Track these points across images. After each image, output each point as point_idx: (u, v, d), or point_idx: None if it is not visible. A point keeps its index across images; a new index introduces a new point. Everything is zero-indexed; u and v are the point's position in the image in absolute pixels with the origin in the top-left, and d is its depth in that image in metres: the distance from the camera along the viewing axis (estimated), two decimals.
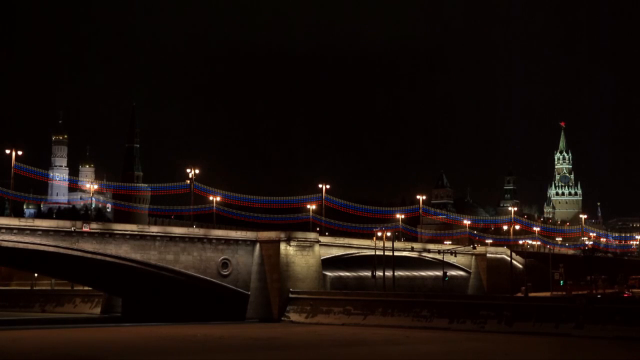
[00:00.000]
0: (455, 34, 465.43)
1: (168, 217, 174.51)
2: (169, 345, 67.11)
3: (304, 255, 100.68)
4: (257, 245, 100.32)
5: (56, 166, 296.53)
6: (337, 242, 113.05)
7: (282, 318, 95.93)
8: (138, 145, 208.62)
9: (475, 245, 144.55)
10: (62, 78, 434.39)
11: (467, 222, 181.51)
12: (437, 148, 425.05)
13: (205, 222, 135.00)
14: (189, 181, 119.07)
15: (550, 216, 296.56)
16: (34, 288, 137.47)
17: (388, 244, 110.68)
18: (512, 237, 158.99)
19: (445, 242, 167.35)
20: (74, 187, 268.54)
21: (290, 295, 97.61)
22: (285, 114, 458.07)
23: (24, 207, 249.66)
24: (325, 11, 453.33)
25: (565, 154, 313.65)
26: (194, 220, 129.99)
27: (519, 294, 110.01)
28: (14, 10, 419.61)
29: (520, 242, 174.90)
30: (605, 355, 61.04)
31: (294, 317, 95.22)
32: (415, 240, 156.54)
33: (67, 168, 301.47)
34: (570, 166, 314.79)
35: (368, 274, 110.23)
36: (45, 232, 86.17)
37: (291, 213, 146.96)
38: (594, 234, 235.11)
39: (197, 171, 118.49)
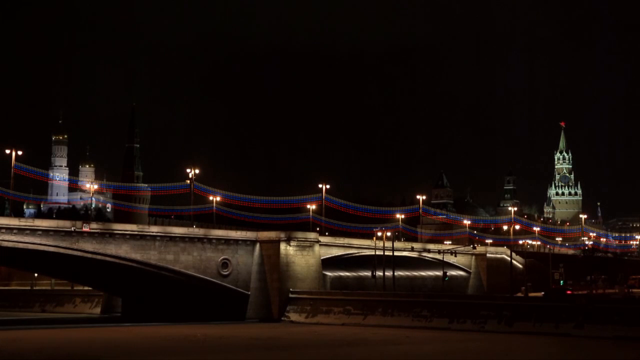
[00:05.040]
0: (454, 33, 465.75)
1: (168, 217, 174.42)
2: (169, 345, 67.13)
3: (304, 255, 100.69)
4: (257, 245, 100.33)
5: (56, 166, 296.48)
6: (337, 242, 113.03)
7: (282, 318, 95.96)
8: (138, 145, 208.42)
9: (475, 245, 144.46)
10: (62, 78, 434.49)
11: (467, 222, 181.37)
12: (437, 148, 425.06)
13: (205, 222, 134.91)
14: (189, 181, 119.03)
15: (550, 216, 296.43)
16: (34, 288, 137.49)
17: (388, 244, 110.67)
18: (512, 237, 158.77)
19: (445, 242, 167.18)
20: (74, 187, 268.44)
21: (290, 295, 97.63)
22: (285, 114, 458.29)
23: (24, 207, 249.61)
24: (325, 10, 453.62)
25: (565, 154, 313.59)
26: (194, 220, 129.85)
27: (519, 294, 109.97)
28: (13, 10, 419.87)
29: (520, 242, 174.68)
30: (605, 355, 61.03)
31: (294, 317, 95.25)
32: (415, 240, 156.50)
33: (67, 168, 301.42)
34: (570, 166, 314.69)
35: (368, 274, 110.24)
36: (45, 232, 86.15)
37: (291, 213, 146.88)
38: (594, 234, 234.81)
39: (197, 171, 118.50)
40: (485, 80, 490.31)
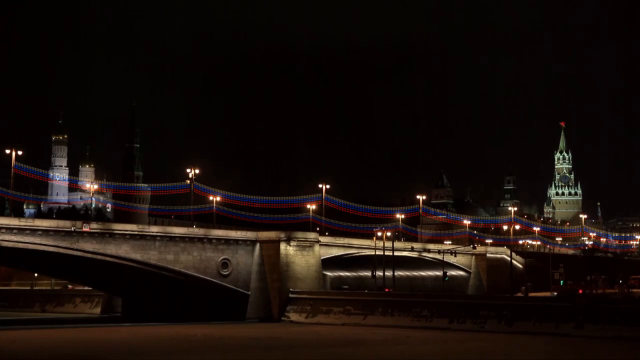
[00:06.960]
0: (455, 33, 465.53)
1: (168, 217, 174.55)
2: (169, 345, 67.13)
3: (304, 255, 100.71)
4: (257, 245, 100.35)
5: (56, 166, 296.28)
6: (337, 242, 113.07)
7: (282, 318, 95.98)
8: (138, 145, 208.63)
9: (475, 245, 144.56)
10: (62, 78, 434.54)
11: (467, 222, 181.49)
12: (437, 148, 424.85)
13: (205, 222, 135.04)
14: (189, 181, 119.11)
15: (550, 216, 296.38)
16: (34, 288, 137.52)
17: (388, 244, 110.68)
18: (512, 237, 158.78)
19: (445, 242, 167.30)
20: (74, 187, 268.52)
21: (290, 295, 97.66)
22: (285, 114, 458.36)
23: (24, 207, 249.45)
24: (324, 11, 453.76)
25: (565, 154, 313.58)
26: (194, 220, 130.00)
27: (519, 294, 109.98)
28: (13, 9, 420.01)
29: (520, 242, 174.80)
30: (605, 355, 61.03)
31: (294, 317, 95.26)
32: (415, 240, 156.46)
33: (67, 168, 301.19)
34: (570, 166, 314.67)
35: (368, 274, 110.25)
36: (45, 232, 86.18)
37: (291, 213, 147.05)
38: (594, 234, 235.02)
39: (197, 171, 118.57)
40: (485, 80, 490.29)
